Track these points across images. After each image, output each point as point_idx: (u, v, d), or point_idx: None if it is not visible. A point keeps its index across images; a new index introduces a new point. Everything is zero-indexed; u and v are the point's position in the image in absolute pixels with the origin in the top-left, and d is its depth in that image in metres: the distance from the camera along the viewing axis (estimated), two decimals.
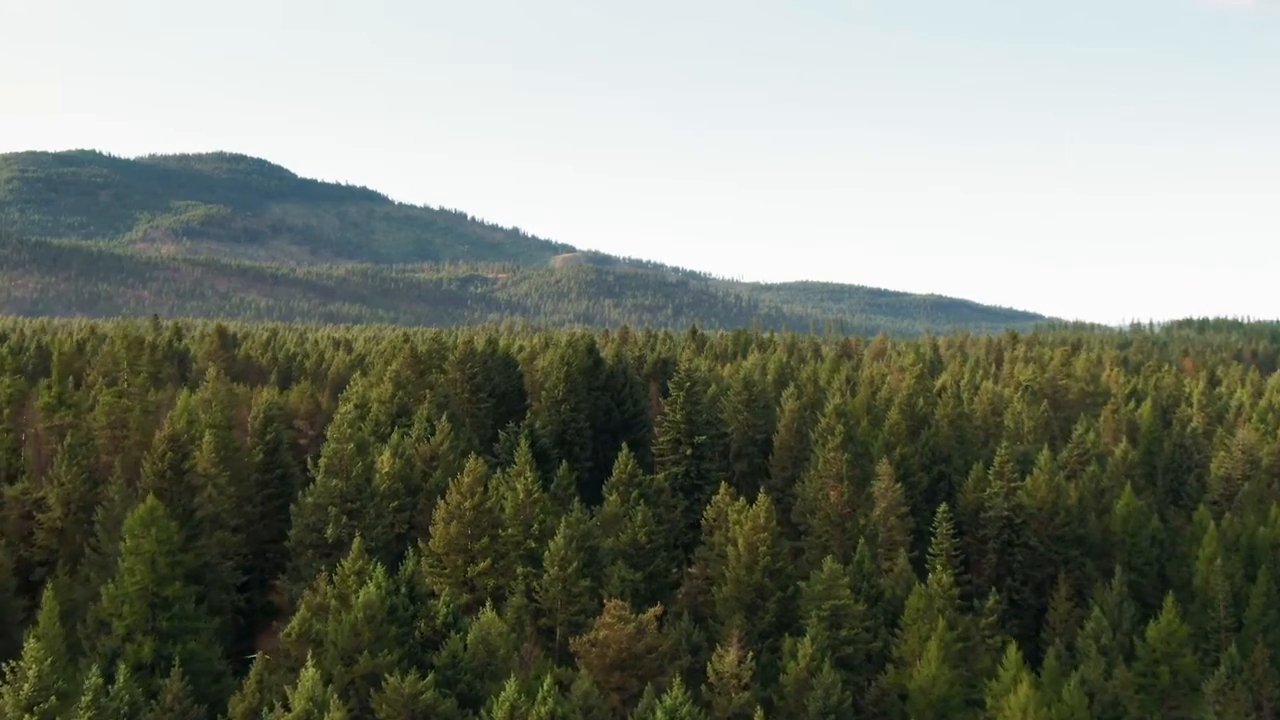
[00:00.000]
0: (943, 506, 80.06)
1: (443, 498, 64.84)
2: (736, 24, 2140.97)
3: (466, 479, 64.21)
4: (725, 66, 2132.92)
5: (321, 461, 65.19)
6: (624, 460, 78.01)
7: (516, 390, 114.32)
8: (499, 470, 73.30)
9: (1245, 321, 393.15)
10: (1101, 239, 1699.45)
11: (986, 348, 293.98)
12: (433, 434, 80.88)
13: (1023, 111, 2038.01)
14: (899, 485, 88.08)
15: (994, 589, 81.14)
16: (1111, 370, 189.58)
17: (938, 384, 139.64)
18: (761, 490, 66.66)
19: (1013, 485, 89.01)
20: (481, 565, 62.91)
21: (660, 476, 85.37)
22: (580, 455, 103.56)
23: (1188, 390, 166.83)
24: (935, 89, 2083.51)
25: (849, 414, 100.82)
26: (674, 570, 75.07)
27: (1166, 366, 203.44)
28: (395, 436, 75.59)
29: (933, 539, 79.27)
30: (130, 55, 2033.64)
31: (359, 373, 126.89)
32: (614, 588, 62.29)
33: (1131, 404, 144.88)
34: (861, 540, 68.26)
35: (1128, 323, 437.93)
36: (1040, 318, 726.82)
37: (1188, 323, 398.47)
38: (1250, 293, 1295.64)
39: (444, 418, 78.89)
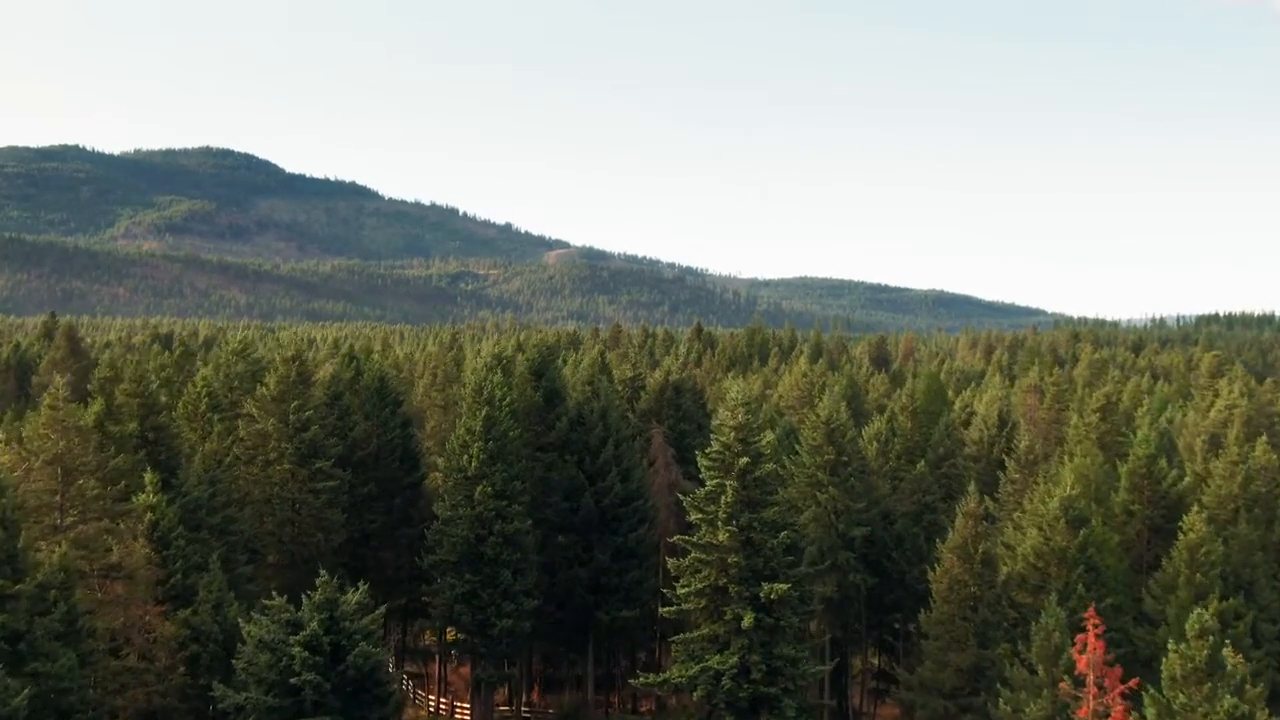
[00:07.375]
0: None
1: None
2: (732, 19, 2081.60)
3: None
4: (722, 62, 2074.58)
5: None
6: None
7: (400, 449, 60.40)
8: None
9: (1277, 317, 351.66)
10: (1102, 234, 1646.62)
11: (1041, 348, 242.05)
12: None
13: (1023, 108, 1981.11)
14: None
15: None
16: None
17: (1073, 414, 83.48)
18: None
19: None
20: None
21: None
22: (512, 590, 50.73)
23: None
24: (933, 85, 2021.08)
25: (1075, 507, 47.69)
26: None
27: None
28: None
29: None
30: (116, 50, 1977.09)
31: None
32: None
33: None
34: None
35: (1142, 318, 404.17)
36: (1044, 313, 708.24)
37: (1214, 318, 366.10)
38: (1250, 288, 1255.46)
39: None
